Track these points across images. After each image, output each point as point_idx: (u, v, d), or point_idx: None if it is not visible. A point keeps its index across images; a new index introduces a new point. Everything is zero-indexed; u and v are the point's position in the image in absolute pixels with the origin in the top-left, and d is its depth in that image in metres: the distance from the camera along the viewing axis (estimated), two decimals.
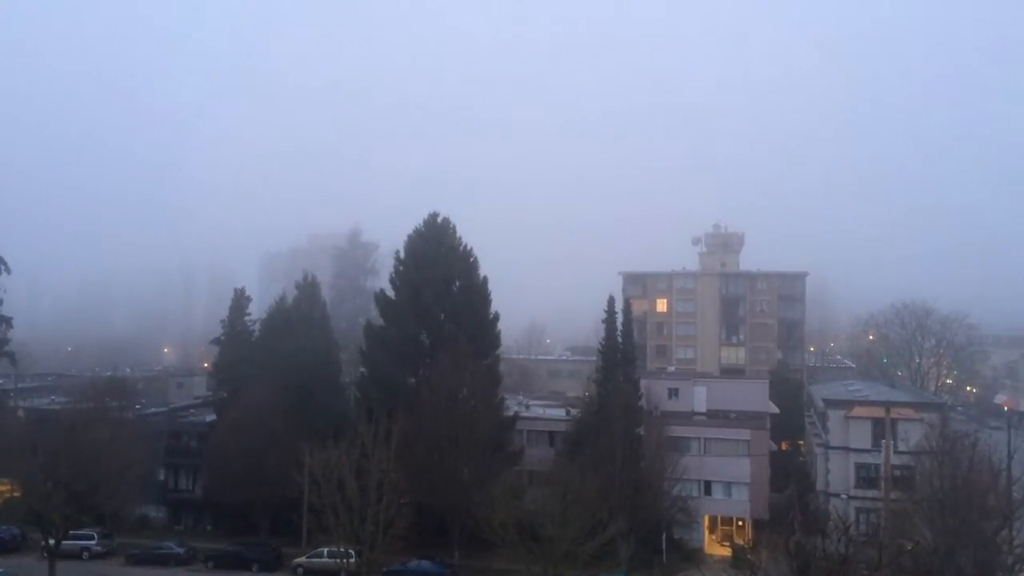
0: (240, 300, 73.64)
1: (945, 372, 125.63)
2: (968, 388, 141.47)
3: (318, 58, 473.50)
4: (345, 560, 46.85)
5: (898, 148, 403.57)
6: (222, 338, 73.08)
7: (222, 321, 73.77)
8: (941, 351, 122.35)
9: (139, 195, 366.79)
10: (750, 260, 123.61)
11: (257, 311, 77.40)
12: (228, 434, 63.78)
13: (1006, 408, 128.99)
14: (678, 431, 65.07)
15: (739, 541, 62.63)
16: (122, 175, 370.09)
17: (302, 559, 57.70)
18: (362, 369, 68.92)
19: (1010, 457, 59.17)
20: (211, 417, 72.84)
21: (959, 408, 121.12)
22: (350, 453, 46.49)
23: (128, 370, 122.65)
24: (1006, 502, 51.27)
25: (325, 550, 53.64)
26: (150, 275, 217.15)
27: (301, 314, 72.21)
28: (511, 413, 67.53)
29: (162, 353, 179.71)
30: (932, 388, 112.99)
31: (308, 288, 74.63)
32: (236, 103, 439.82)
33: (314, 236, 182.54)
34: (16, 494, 60.81)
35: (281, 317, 72.68)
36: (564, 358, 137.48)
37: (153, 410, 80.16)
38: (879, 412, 62.39)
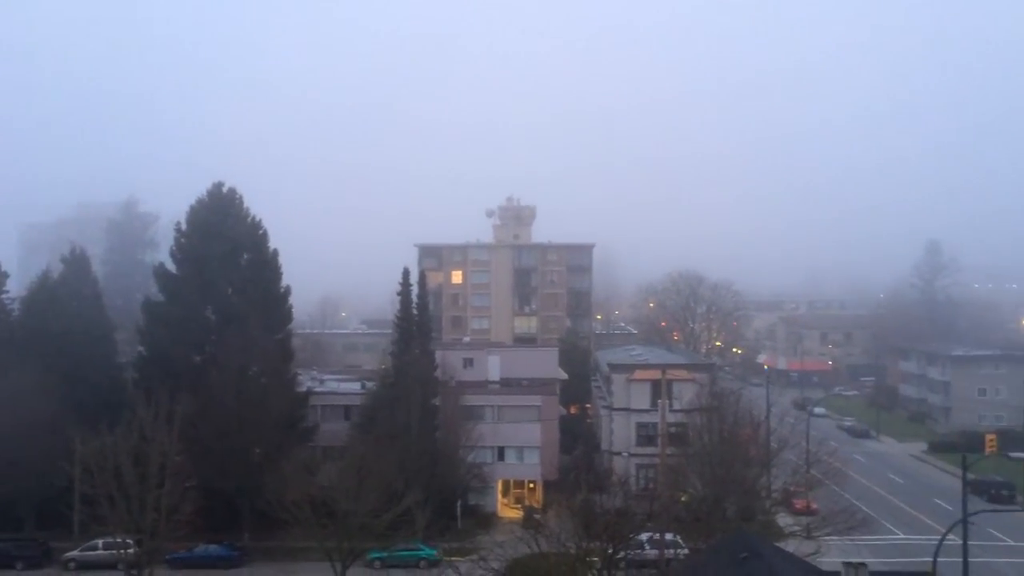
0: None
1: (715, 335, 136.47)
2: (734, 349, 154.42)
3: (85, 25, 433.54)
4: (123, 551, 44.28)
5: (674, 127, 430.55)
6: None
7: None
8: (711, 316, 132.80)
9: None
10: (542, 232, 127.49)
11: (16, 288, 70.53)
12: None
13: (766, 367, 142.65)
14: (473, 400, 66.44)
15: (530, 503, 65.15)
16: None
17: (74, 552, 54.05)
18: (140, 348, 64.87)
19: (768, 410, 65.53)
20: None
21: (726, 368, 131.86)
22: (127, 437, 44.08)
23: None
24: (765, 452, 56.92)
25: (100, 541, 50.74)
26: None
27: (69, 291, 66.57)
28: (304, 389, 66.14)
29: None
30: (704, 350, 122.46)
31: (76, 262, 68.84)
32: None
33: (83, 206, 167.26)
34: None
35: (45, 294, 66.56)
36: (360, 331, 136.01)
37: None
38: (657, 374, 66.67)
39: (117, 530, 44.10)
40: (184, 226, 65.20)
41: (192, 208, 65.54)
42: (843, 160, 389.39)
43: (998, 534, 58.76)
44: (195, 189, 66.82)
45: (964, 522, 37.50)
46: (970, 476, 43.34)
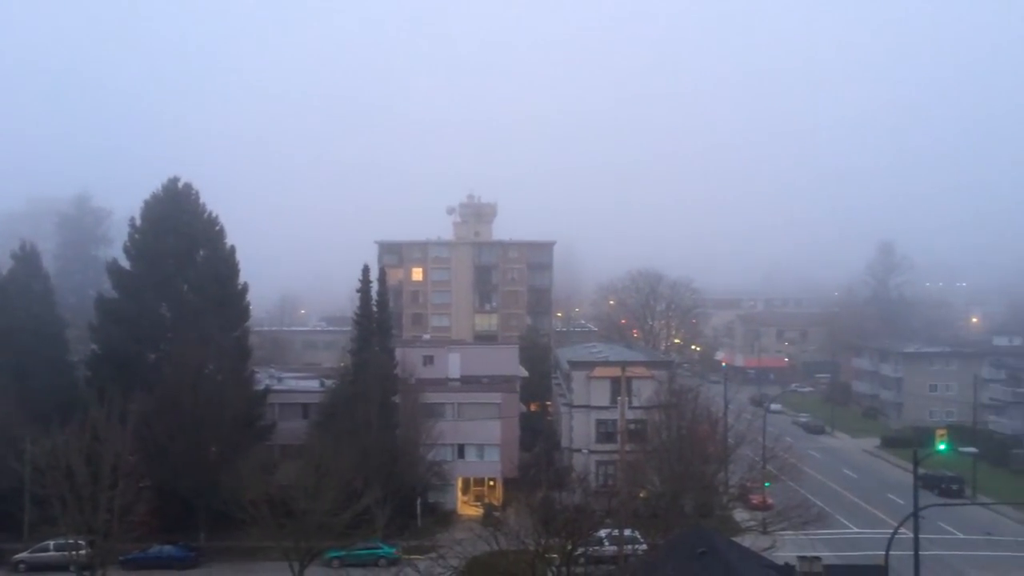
0: None
1: (674, 332, 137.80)
2: (693, 347, 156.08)
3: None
4: (75, 552, 43.44)
5: (635, 128, 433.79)
6: None
7: None
8: (670, 314, 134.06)
9: None
10: (502, 230, 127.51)
11: None
12: None
13: (724, 364, 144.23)
14: (433, 397, 66.17)
15: (490, 500, 65.18)
16: None
17: (24, 554, 52.76)
18: (93, 346, 63.62)
19: (726, 407, 66.21)
20: None
21: (685, 365, 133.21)
22: (79, 437, 43.24)
23: None
24: (722, 448, 57.53)
25: (52, 543, 49.66)
26: None
27: (19, 287, 64.99)
28: (262, 387, 65.33)
29: None
30: (663, 347, 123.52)
31: (26, 258, 67.15)
32: None
33: (34, 200, 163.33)
34: None
35: None
36: (319, 329, 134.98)
37: None
38: (616, 372, 66.95)
39: (69, 531, 43.28)
40: (138, 221, 64.13)
41: (146, 203, 64.46)
42: (799, 161, 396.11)
43: (948, 527, 60.16)
44: (150, 184, 65.94)
45: (915, 516, 38.23)
46: (921, 471, 44.21)
